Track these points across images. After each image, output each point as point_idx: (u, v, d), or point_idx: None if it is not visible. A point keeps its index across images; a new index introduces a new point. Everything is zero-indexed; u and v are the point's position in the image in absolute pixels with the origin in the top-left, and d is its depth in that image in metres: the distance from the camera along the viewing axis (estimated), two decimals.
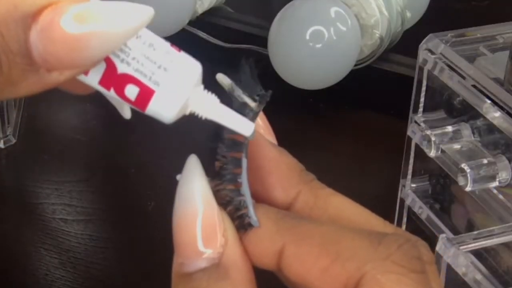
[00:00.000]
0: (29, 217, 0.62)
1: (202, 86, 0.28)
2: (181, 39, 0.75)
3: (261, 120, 0.31)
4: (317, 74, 0.68)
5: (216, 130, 0.29)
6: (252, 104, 0.29)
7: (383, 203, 0.60)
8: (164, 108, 0.27)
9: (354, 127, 0.72)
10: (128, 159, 0.66)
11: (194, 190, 0.29)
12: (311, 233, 0.27)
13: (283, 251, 0.27)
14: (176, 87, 0.27)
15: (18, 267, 0.58)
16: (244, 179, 0.29)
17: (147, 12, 0.26)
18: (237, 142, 0.29)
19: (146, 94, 0.27)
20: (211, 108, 0.28)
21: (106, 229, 0.61)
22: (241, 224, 0.28)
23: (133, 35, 0.27)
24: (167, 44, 0.28)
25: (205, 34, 0.76)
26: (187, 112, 0.28)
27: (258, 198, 0.30)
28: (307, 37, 0.66)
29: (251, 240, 0.28)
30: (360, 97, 0.73)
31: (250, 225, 0.28)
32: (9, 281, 0.57)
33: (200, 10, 0.75)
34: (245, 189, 0.29)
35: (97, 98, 0.29)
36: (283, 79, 0.68)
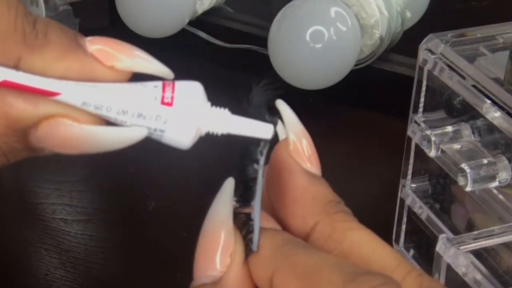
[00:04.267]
0: (29, 217, 0.62)
1: (209, 104, 0.29)
2: (181, 39, 0.75)
3: (307, 146, 0.31)
4: (317, 74, 0.68)
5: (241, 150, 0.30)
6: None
7: (383, 203, 0.60)
8: (179, 141, 0.29)
9: (354, 127, 0.72)
10: (128, 159, 0.66)
11: (225, 213, 0.29)
12: (299, 263, 0.27)
13: (273, 278, 0.28)
14: (183, 120, 0.28)
15: (18, 267, 0.58)
16: (256, 204, 0.29)
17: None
18: (254, 162, 0.29)
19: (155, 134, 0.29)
20: (224, 123, 0.29)
21: (106, 229, 0.61)
22: (248, 248, 0.29)
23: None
24: (153, 91, 0.29)
25: (205, 34, 0.76)
26: (203, 134, 0.29)
27: (280, 223, 0.30)
28: (307, 37, 0.66)
29: (250, 264, 0.29)
30: (360, 97, 0.73)
31: (251, 250, 0.29)
32: (9, 281, 0.57)
33: (200, 10, 0.75)
34: (256, 214, 0.29)
35: None
36: (283, 79, 0.68)
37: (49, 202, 0.63)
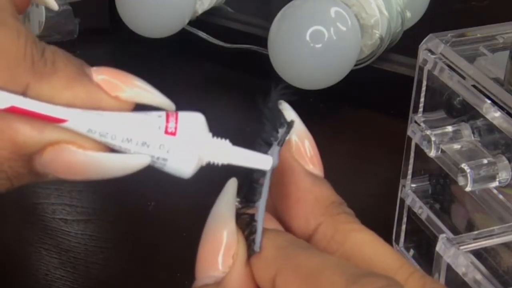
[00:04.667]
0: (29, 217, 0.62)
1: (210, 135, 0.30)
2: (181, 39, 0.75)
3: (309, 147, 0.31)
4: (317, 74, 0.68)
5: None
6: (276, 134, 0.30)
7: (383, 203, 0.60)
8: (181, 170, 0.29)
9: (354, 127, 0.72)
10: None
11: (228, 213, 0.30)
12: (301, 264, 0.28)
13: (275, 279, 0.28)
14: (186, 150, 0.29)
15: (18, 267, 0.58)
16: (261, 206, 0.30)
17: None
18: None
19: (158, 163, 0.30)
20: (225, 154, 0.30)
21: (106, 229, 0.61)
22: (250, 248, 0.29)
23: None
24: (157, 121, 0.29)
25: (205, 34, 0.76)
26: (204, 163, 0.30)
27: (282, 224, 0.30)
28: (307, 37, 0.66)
29: (252, 264, 0.29)
30: (360, 97, 0.73)
31: (253, 250, 0.29)
32: (9, 281, 0.57)
33: (200, 10, 0.75)
34: (260, 215, 0.29)
35: None
36: (283, 79, 0.68)
37: (49, 202, 0.63)
